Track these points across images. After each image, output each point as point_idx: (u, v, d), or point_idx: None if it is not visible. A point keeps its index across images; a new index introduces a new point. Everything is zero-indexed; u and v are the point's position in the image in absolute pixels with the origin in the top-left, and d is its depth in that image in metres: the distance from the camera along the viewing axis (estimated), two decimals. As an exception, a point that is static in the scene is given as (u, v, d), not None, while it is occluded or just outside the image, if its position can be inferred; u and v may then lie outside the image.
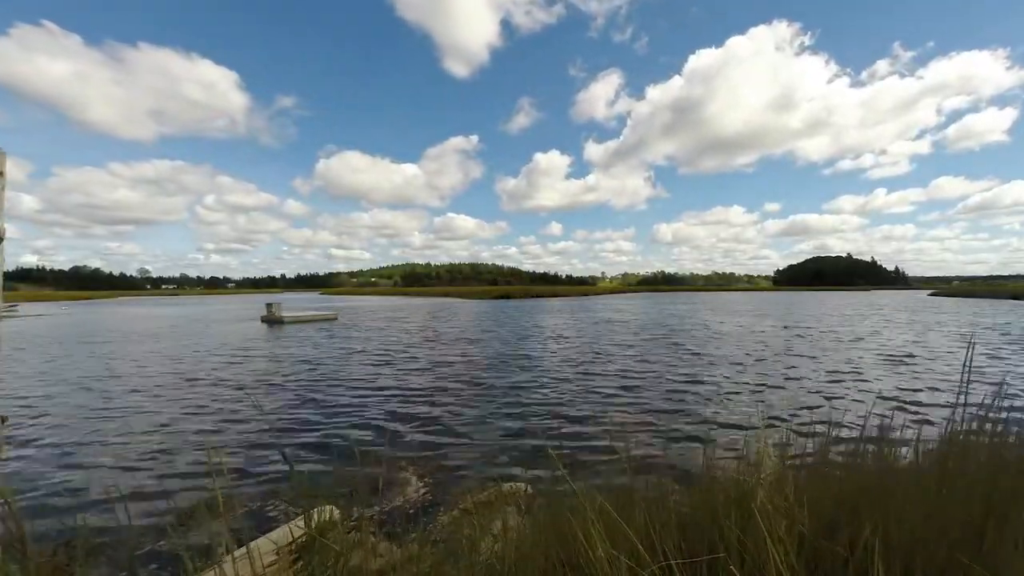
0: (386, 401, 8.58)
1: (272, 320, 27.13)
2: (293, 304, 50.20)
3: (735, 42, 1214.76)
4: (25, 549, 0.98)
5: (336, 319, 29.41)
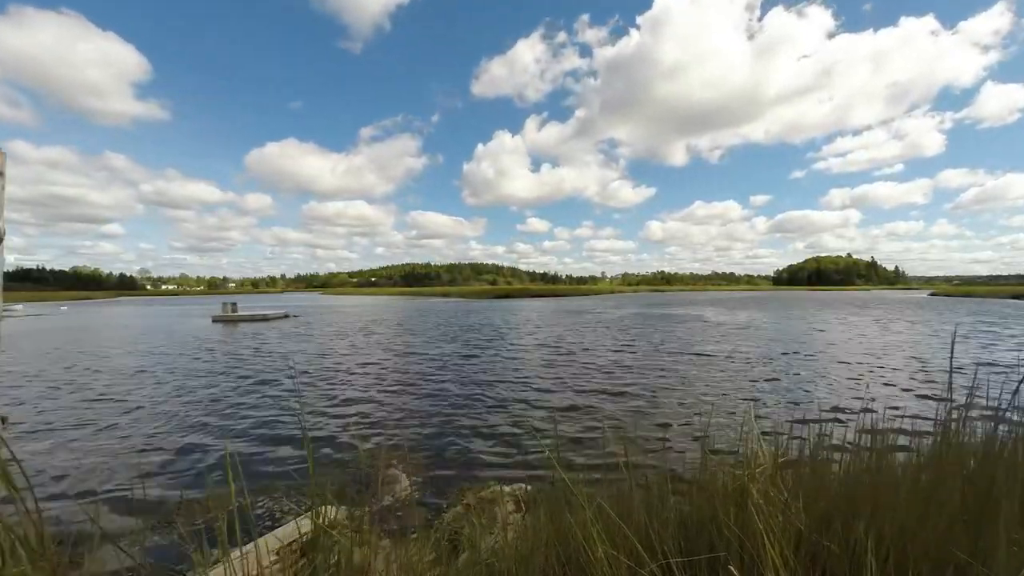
0: (382, 399, 8.60)
1: (226, 319, 29.51)
2: (293, 306, 50.02)
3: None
4: (44, 544, 1.00)
5: (281, 319, 30.78)
